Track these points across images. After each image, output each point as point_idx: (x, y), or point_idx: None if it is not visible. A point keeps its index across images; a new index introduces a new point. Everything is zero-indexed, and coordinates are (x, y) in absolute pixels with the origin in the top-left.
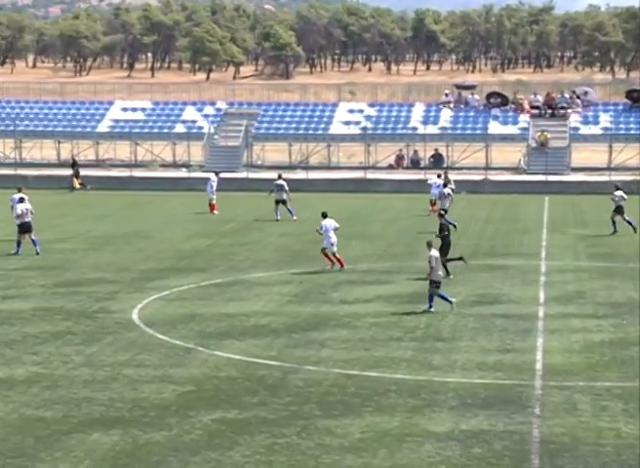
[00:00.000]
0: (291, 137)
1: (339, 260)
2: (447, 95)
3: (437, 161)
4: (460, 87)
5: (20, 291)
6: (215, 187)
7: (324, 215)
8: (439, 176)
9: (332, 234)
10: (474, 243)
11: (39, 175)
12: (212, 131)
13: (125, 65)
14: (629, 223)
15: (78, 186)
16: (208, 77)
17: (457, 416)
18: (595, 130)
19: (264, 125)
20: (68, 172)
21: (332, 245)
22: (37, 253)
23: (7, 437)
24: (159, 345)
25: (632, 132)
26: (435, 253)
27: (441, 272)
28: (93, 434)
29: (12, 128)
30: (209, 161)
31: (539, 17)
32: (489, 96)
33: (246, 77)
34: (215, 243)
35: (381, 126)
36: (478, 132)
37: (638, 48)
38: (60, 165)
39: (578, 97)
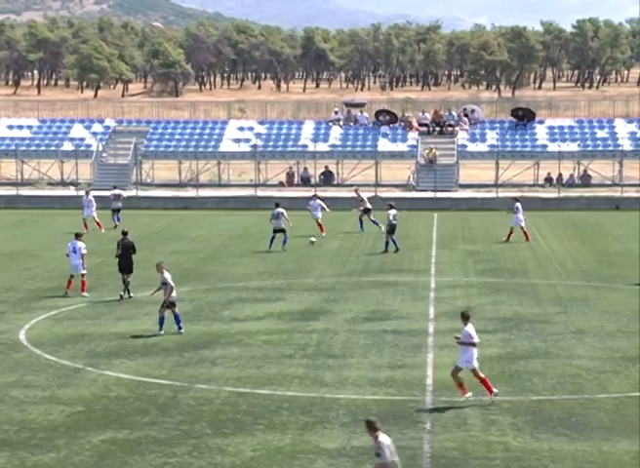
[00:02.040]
0: (181, 155)
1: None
2: (336, 112)
3: (327, 178)
4: (349, 105)
5: None
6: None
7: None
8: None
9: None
10: (364, 259)
11: None
12: (100, 148)
13: (10, 82)
14: (393, 242)
15: None
16: (96, 94)
17: (348, 433)
18: (482, 147)
19: (154, 142)
20: None
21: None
22: None
23: None
24: (47, 366)
25: (518, 149)
26: None
27: None
28: None
29: None
30: (97, 179)
31: (426, 35)
32: (378, 113)
33: (135, 95)
34: (104, 261)
35: (272, 143)
36: (368, 149)
37: (523, 67)
38: None
39: (465, 115)
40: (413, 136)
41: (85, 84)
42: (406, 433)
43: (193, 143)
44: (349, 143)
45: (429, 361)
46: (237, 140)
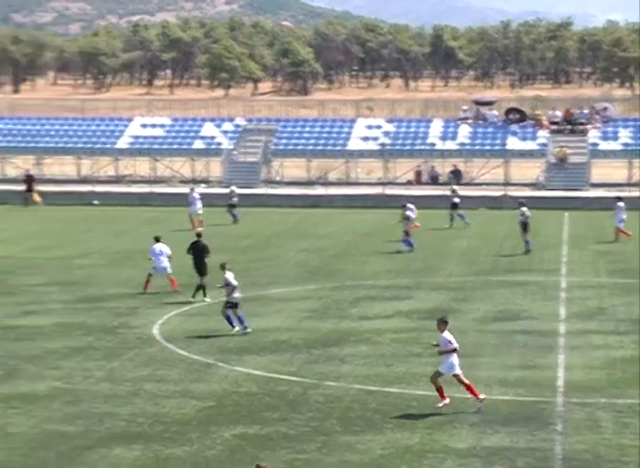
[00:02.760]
0: (309, 153)
1: (172, 281)
2: (465, 110)
3: (456, 176)
4: (478, 103)
5: (41, 306)
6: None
7: (156, 239)
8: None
9: (163, 258)
10: (493, 259)
11: (59, 192)
12: (230, 147)
13: (144, 82)
14: (526, 243)
15: (39, 199)
16: (227, 93)
17: (478, 433)
18: (615, 145)
19: (283, 141)
20: (87, 188)
21: (164, 269)
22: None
23: (30, 452)
24: (179, 360)
25: None
26: None
27: None
28: (115, 449)
29: (32, 144)
30: (228, 177)
31: (557, 32)
32: (507, 111)
33: (264, 93)
34: (233, 259)
35: (400, 142)
36: (497, 147)
37: None
38: (81, 181)
39: (597, 113)
40: (543, 134)
41: (216, 83)
42: (537, 434)
43: (322, 142)
44: (478, 142)
45: (560, 362)
46: (365, 139)
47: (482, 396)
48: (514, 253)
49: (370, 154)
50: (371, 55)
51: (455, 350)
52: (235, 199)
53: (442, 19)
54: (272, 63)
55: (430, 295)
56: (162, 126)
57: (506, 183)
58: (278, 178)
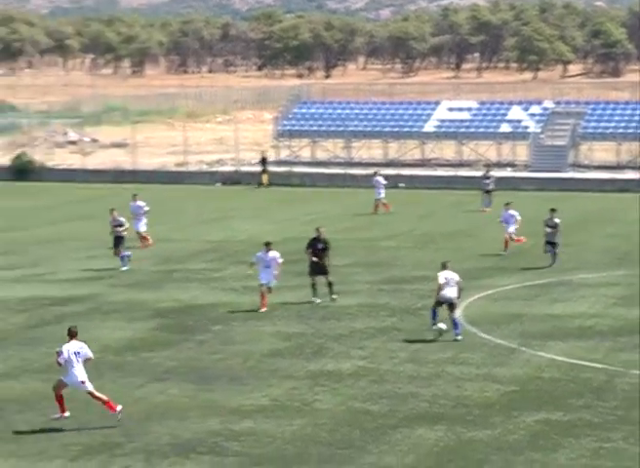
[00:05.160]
0: (620, 137)
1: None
2: None
3: None
4: None
5: (347, 287)
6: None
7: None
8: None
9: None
10: None
11: (367, 175)
12: (538, 130)
13: (452, 65)
14: None
15: (266, 183)
16: (535, 76)
17: None
18: None
19: (592, 124)
20: (393, 171)
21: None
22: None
23: (335, 428)
24: (482, 344)
25: None
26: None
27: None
28: (418, 429)
29: (342, 128)
30: (534, 160)
31: None
32: None
33: (574, 76)
34: (539, 243)
35: None
36: None
37: None
38: (387, 164)
39: None
40: None
41: (524, 66)
42: None
43: (632, 125)
44: None
45: None
46: None
47: (119, 407)
48: None
49: None
50: None
51: (89, 359)
52: (490, 184)
53: None
54: (583, 45)
55: None
56: (469, 109)
57: None
58: (586, 162)
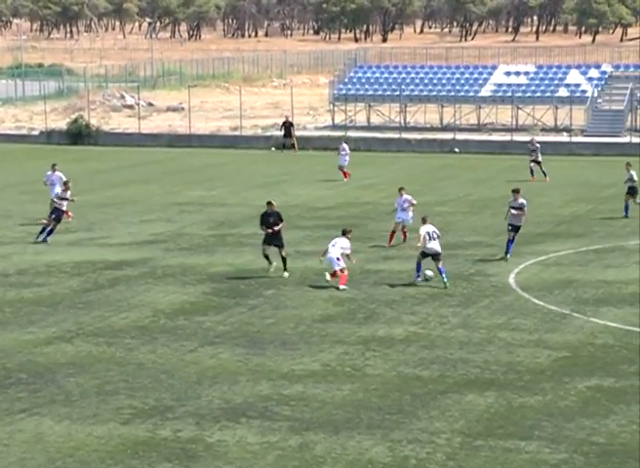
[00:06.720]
0: None
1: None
2: None
3: None
4: None
5: (399, 252)
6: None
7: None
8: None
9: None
10: None
11: (422, 139)
12: (595, 94)
13: (510, 29)
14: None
15: (291, 146)
16: (594, 39)
17: None
18: None
19: None
20: (448, 136)
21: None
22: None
23: (386, 393)
24: (534, 310)
25: None
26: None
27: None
28: (468, 395)
29: (398, 93)
30: (591, 125)
31: None
32: None
33: (633, 39)
34: (594, 208)
35: None
36: None
37: None
38: (443, 129)
39: None
40: None
41: (583, 29)
42: None
43: None
44: None
45: None
46: None
47: None
48: None
49: None
50: None
51: None
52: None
53: None
54: None
55: None
56: (526, 73)
57: None
58: None
